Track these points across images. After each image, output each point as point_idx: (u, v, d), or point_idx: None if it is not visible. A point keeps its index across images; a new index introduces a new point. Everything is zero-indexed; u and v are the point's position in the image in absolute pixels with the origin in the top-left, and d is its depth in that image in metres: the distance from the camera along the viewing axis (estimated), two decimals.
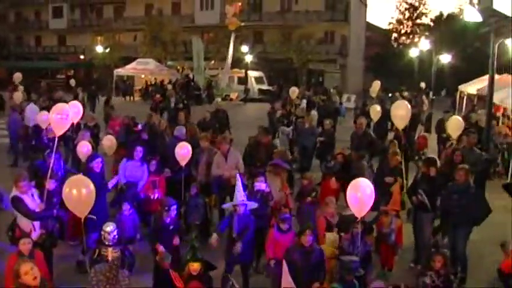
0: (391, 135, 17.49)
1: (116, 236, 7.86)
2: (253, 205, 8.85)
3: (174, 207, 8.91)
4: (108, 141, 13.15)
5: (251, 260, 8.94)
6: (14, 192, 8.64)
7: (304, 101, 26.68)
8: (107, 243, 7.81)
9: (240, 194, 8.57)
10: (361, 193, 8.05)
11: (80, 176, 8.64)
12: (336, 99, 29.47)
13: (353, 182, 8.30)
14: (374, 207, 9.87)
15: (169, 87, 36.90)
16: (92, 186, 7.88)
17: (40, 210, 8.59)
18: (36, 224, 8.63)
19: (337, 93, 33.39)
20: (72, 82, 37.22)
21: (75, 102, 15.06)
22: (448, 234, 10.21)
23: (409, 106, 13.66)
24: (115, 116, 18.03)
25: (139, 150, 11.55)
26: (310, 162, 15.87)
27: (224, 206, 9.18)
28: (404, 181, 11.85)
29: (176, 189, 11.61)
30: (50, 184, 9.20)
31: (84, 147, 11.87)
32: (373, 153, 14.00)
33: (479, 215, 9.54)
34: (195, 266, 7.20)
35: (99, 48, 55.58)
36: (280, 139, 17.66)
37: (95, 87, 31.75)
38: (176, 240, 8.71)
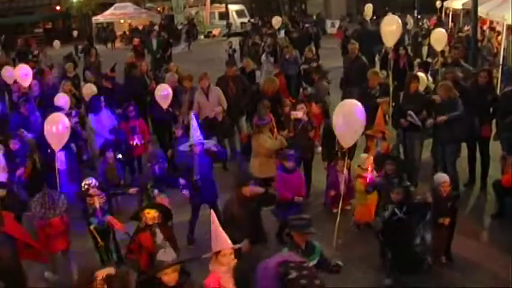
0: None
1: (97, 185, 7.76)
2: (211, 143, 8.63)
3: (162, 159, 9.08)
4: (88, 90, 12.81)
5: (217, 197, 8.59)
6: None
7: (282, 31, 26.08)
8: (91, 192, 7.72)
9: (195, 133, 8.30)
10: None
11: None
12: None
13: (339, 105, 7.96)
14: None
15: (156, 28, 36.18)
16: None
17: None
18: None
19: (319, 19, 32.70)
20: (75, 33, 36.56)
21: (24, 65, 14.73)
22: (436, 152, 10.16)
23: (400, 21, 13.25)
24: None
25: (101, 100, 11.46)
26: (297, 91, 15.61)
27: (180, 147, 8.77)
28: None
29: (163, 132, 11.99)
30: (13, 144, 9.00)
31: (61, 100, 11.61)
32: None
33: (464, 132, 9.44)
34: (151, 214, 6.63)
35: None
36: (265, 69, 17.35)
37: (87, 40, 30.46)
38: None
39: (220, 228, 5.21)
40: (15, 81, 13.80)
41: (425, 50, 16.98)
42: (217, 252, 5.14)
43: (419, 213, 7.03)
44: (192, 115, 8.83)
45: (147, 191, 8.11)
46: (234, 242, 5.35)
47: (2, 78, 14.86)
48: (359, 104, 7.87)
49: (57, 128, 9.09)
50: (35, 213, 7.63)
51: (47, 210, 7.56)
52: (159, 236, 6.37)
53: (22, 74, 13.75)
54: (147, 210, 6.64)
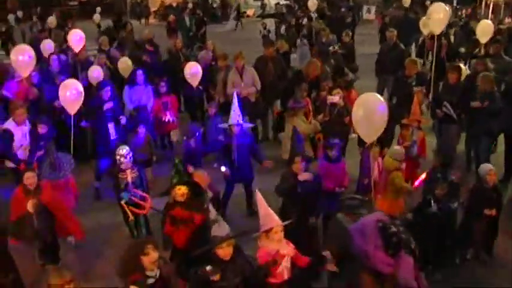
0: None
1: (132, 158, 7.73)
2: (249, 125, 8.63)
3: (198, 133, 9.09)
4: (124, 64, 12.81)
5: (252, 177, 8.79)
6: (10, 122, 8.88)
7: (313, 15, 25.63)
8: (123, 166, 7.68)
9: (235, 114, 8.35)
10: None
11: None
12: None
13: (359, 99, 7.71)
14: (396, 121, 9.70)
15: (190, 5, 36.04)
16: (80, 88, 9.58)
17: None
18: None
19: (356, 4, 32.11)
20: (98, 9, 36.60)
21: (77, 30, 14.73)
22: (470, 145, 10.00)
23: (447, 9, 12.93)
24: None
25: (139, 74, 11.38)
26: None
27: (219, 125, 8.88)
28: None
29: (194, 110, 12.07)
30: (41, 128, 9.04)
31: (95, 72, 11.63)
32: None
33: (500, 125, 9.24)
34: (182, 190, 6.59)
35: None
36: (299, 53, 17.17)
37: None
38: None
39: (268, 207, 5.19)
40: (51, 54, 13.79)
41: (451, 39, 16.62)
42: (268, 230, 5.14)
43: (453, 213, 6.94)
44: (234, 94, 8.79)
45: (176, 166, 8.12)
46: (287, 214, 5.36)
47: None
48: (381, 98, 7.63)
49: (70, 93, 9.51)
50: (43, 174, 7.66)
51: (54, 171, 7.67)
52: (213, 212, 6.33)
53: (75, 39, 13.78)
54: (178, 187, 6.63)
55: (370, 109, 7.33)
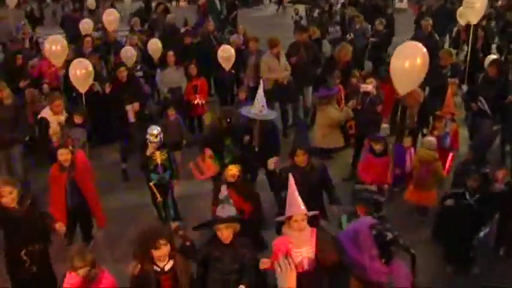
0: None
1: (162, 139, 7.69)
2: (271, 116, 8.31)
3: None
4: (153, 45, 12.79)
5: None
6: (46, 111, 8.90)
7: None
8: (153, 146, 7.64)
9: (259, 103, 7.94)
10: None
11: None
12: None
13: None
14: (429, 112, 9.53)
15: None
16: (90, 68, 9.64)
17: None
18: None
19: None
20: None
21: (112, 10, 14.70)
22: (506, 140, 9.80)
23: None
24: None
25: (170, 55, 11.37)
26: (363, 63, 15.15)
27: (242, 112, 8.38)
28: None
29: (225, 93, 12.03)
30: (77, 119, 9.01)
31: (128, 52, 11.68)
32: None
33: None
34: (233, 171, 6.53)
35: None
36: (330, 38, 16.97)
37: None
38: None
39: (296, 194, 5.06)
40: (85, 35, 13.79)
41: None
42: (290, 217, 5.04)
43: (493, 204, 6.77)
44: (260, 82, 8.58)
45: (227, 147, 8.05)
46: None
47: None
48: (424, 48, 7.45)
49: (80, 71, 9.55)
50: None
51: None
52: (223, 191, 6.34)
53: (109, 19, 13.83)
54: (230, 167, 6.59)
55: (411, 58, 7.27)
